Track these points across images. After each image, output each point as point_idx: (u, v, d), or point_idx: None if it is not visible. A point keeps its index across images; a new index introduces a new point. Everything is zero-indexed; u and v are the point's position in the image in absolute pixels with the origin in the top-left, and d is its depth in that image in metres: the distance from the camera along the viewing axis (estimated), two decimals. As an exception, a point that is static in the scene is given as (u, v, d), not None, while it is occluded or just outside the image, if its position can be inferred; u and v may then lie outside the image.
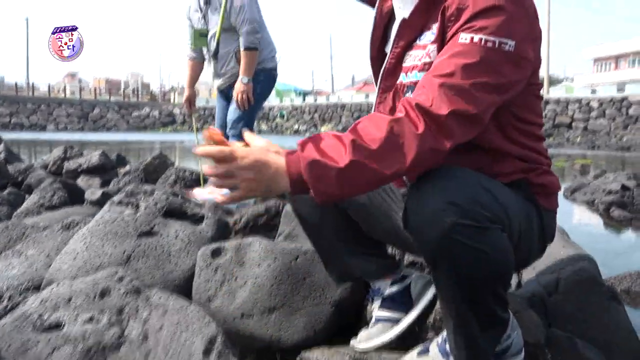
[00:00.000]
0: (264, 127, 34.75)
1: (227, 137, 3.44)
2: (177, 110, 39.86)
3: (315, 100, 41.66)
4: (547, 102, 26.62)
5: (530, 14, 1.10)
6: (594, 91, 29.30)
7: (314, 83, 67.04)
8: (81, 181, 4.45)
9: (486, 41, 1.03)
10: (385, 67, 1.27)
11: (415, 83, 1.16)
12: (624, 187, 4.92)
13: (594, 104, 25.86)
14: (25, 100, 35.61)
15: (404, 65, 1.23)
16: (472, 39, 1.04)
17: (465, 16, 1.06)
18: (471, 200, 1.00)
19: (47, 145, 16.64)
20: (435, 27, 1.14)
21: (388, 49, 1.27)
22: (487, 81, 1.03)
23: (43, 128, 33.27)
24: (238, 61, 3.28)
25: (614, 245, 3.80)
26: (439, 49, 1.12)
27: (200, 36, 3.36)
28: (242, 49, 3.17)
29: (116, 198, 2.14)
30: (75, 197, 3.60)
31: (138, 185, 2.33)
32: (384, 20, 1.32)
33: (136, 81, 69.84)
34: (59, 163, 4.69)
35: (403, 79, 1.23)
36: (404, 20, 1.21)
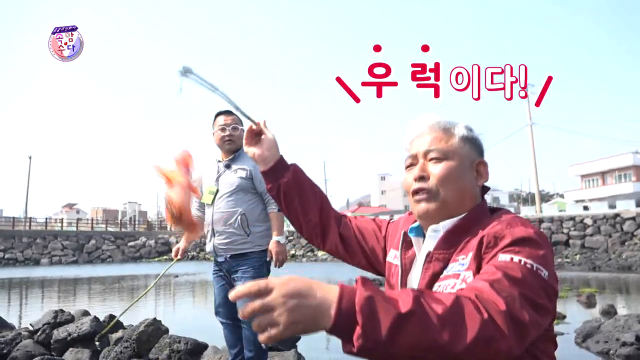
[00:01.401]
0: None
1: (233, 327, 3.30)
2: (173, 239, 39.81)
3: (311, 224, 41.73)
4: (542, 221, 26.85)
5: (553, 261, 1.11)
6: (586, 208, 29.69)
7: (309, 206, 67.53)
8: (70, 354, 4.22)
9: (525, 262, 1.04)
10: None
11: None
12: (638, 338, 4.74)
13: (588, 221, 26.06)
14: (20, 234, 35.52)
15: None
16: (512, 258, 1.05)
17: (503, 242, 1.09)
18: None
19: (39, 287, 16.30)
20: (464, 258, 1.14)
21: (414, 283, 1.26)
22: (531, 296, 0.99)
23: (37, 262, 32.86)
24: (242, 224, 3.32)
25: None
26: (474, 275, 1.10)
27: (209, 193, 3.46)
28: (273, 211, 3.34)
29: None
30: (62, 378, 3.39)
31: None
32: (409, 267, 1.32)
33: (133, 210, 70.58)
34: (47, 331, 4.49)
35: None
36: (429, 254, 1.22)
